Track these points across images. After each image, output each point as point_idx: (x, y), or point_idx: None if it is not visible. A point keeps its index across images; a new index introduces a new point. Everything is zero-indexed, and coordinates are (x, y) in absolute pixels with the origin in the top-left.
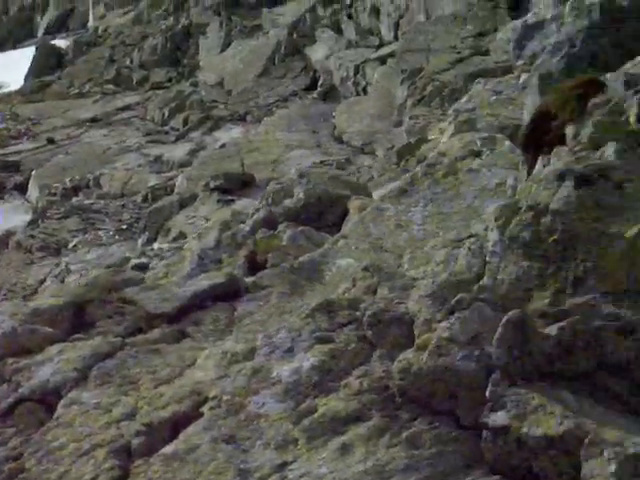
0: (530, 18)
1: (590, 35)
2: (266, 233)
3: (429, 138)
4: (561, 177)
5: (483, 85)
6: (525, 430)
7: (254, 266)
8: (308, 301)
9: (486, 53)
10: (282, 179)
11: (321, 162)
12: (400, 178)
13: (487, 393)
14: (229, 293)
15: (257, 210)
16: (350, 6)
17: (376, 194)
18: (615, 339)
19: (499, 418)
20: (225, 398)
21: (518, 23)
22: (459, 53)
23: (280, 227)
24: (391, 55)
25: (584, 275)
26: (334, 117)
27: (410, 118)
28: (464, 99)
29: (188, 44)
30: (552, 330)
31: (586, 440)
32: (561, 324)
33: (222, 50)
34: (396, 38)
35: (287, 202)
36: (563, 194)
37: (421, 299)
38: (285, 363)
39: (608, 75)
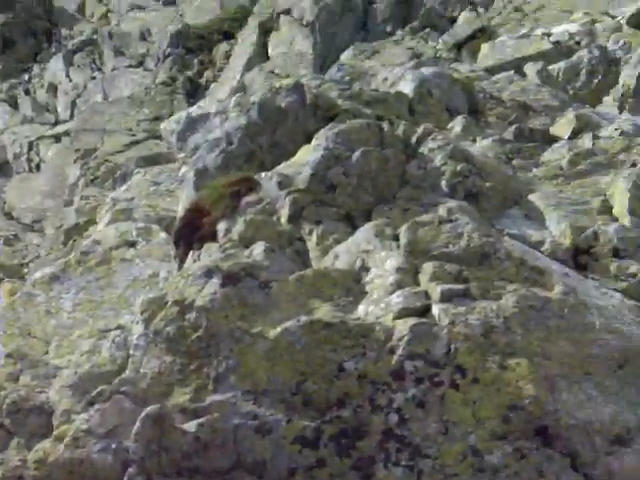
0: (195, 110)
1: (247, 133)
2: None
3: (98, 220)
4: (209, 274)
5: (143, 175)
6: None
7: None
8: None
9: (161, 137)
10: None
11: None
12: (64, 259)
13: None
14: None
15: None
16: (28, 81)
17: (33, 277)
18: (253, 438)
19: None
20: None
21: (183, 114)
22: (134, 136)
23: None
24: (66, 133)
25: (226, 373)
26: (5, 192)
27: (81, 198)
28: (123, 187)
29: None
30: (191, 426)
31: None
32: (200, 420)
33: None
34: (72, 117)
35: None
36: (209, 291)
37: (62, 389)
38: None
39: (263, 174)
